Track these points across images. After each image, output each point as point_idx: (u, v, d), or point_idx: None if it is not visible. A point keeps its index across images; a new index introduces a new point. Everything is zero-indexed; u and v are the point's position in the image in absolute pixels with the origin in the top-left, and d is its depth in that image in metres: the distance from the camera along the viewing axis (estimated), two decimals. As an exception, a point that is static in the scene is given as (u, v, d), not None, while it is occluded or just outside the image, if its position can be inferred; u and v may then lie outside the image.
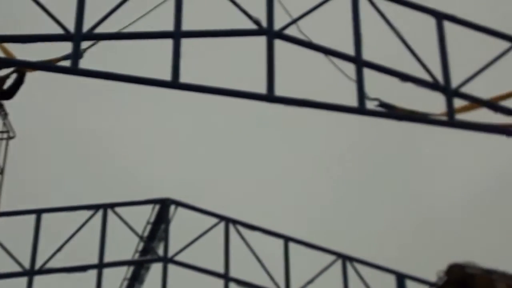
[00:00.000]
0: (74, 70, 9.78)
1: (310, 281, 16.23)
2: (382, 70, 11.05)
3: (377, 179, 27.98)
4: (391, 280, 16.40)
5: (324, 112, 10.95)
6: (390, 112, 11.08)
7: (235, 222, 16.90)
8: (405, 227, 26.33)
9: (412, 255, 23.39)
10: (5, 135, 11.64)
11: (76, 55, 9.79)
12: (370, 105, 10.91)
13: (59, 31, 10.07)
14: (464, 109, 11.30)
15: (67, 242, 15.87)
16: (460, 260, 11.34)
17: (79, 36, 9.91)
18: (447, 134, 12.05)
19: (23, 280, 15.46)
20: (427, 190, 28.00)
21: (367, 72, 11.06)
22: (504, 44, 11.69)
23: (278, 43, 10.81)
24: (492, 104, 11.33)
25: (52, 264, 15.73)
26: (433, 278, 11.52)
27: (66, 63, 9.94)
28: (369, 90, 11.00)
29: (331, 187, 27.59)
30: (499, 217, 26.12)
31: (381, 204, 27.36)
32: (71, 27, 10.05)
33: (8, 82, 11.74)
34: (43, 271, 15.59)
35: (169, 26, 10.45)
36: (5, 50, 10.66)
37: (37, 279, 15.54)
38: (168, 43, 10.37)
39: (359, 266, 16.70)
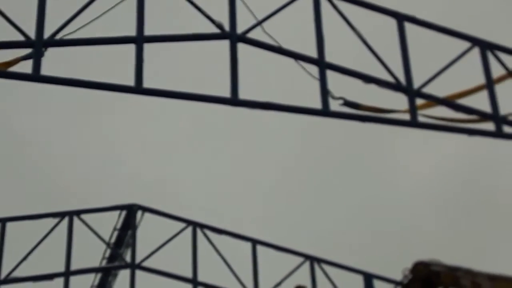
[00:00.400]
0: (36, 77, 9.68)
1: (279, 283, 16.28)
2: (345, 72, 11.13)
3: (337, 178, 28.19)
4: (359, 280, 16.51)
5: (288, 114, 11.00)
6: (353, 114, 11.16)
7: (203, 226, 16.88)
8: (365, 225, 26.54)
9: (374, 253, 23.62)
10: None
11: (38, 61, 9.69)
12: (334, 106, 10.98)
13: (20, 38, 9.96)
14: (425, 106, 11.44)
15: (33, 251, 15.73)
16: (425, 258, 11.47)
17: (40, 43, 9.82)
18: (406, 131, 12.19)
19: (-12, 290, 15.30)
20: (385, 186, 28.28)
21: (333, 73, 11.14)
22: (464, 44, 11.87)
23: (243, 46, 10.83)
24: (453, 103, 11.48)
25: (18, 273, 15.58)
26: (398, 276, 11.62)
27: (28, 70, 9.83)
28: (335, 91, 11.08)
29: (295, 188, 27.71)
30: (457, 213, 26.53)
31: (343, 203, 27.54)
32: (32, 33, 9.95)
33: None
34: (9, 280, 15.44)
35: (132, 32, 10.41)
36: None
37: (3, 288, 15.39)
38: (131, 48, 10.33)
39: (327, 267, 16.80)
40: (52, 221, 16.18)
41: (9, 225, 15.82)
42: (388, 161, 28.46)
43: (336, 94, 11.02)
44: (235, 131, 27.08)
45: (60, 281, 15.79)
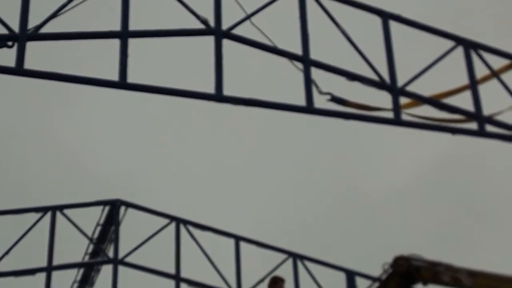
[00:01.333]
0: (19, 71, 9.63)
1: (261, 280, 16.29)
2: (329, 69, 11.15)
3: (318, 171, 28.27)
4: (341, 277, 16.57)
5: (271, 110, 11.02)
6: (337, 111, 11.19)
7: (186, 222, 16.86)
8: (348, 222, 26.65)
9: (357, 250, 23.70)
10: None
11: (21, 55, 9.64)
12: (319, 103, 11.01)
13: (3, 31, 9.91)
14: (410, 105, 11.50)
15: (15, 245, 15.65)
16: (405, 252, 11.50)
17: (24, 36, 9.77)
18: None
19: (-31, 284, 15.23)
20: (365, 179, 28.40)
21: (320, 72, 11.17)
22: (448, 43, 11.93)
23: (228, 43, 10.83)
24: (437, 102, 11.54)
25: (-1, 268, 15.52)
26: (378, 271, 11.66)
27: (11, 64, 9.78)
28: (322, 86, 11.11)
29: (279, 182, 27.76)
30: (436, 206, 26.70)
31: (325, 199, 27.62)
32: (15, 27, 9.91)
33: None
34: (-10, 275, 15.36)
35: (117, 26, 10.38)
36: None
37: (-16, 283, 15.32)
38: (116, 43, 10.30)
39: (310, 264, 16.84)
40: (34, 216, 16.09)
41: (-9, 220, 15.75)
42: (373, 157, 28.56)
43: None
44: (219, 124, 27.09)
45: (42, 276, 15.72)
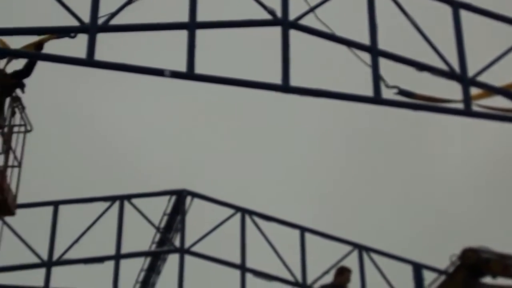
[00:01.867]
0: (90, 62, 9.78)
1: (327, 271, 16.20)
2: (398, 59, 10.98)
3: (384, 166, 27.99)
4: (408, 270, 16.37)
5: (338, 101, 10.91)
6: (406, 102, 11.02)
7: (251, 213, 16.92)
8: (414, 214, 26.31)
9: (423, 242, 23.39)
10: (22, 129, 11.65)
11: (92, 46, 9.79)
12: (387, 94, 10.86)
13: (74, 23, 10.07)
14: (480, 96, 11.24)
15: (84, 234, 15.96)
16: (473, 245, 11.29)
17: (94, 28, 9.91)
18: (448, 120, 12.01)
19: (41, 271, 15.58)
20: (430, 175, 27.98)
21: (386, 61, 11.01)
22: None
23: (294, 33, 10.77)
24: (509, 93, 11.25)
25: (69, 256, 15.83)
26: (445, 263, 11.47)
27: (82, 55, 9.94)
28: (387, 79, 10.96)
29: (343, 175, 27.59)
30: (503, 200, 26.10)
31: (389, 192, 27.35)
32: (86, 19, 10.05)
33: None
34: (61, 262, 15.70)
35: (184, 18, 10.43)
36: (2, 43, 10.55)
37: (55, 270, 15.64)
38: (183, 34, 10.35)
39: (376, 256, 16.69)
40: (103, 205, 16.38)
41: (62, 208, 16.08)
42: (439, 147, 28.12)
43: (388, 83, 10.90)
44: (281, 116, 27.06)
45: (110, 264, 16.00)
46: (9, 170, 11.27)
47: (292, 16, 10.81)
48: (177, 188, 17.41)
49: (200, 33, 10.39)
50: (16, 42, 10.67)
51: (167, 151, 28.08)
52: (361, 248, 16.74)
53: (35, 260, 15.55)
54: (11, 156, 11.34)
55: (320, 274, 16.39)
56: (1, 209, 11.54)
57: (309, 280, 16.48)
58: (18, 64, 11.44)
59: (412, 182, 27.44)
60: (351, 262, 16.41)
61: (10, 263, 15.33)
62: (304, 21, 10.91)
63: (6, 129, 11.31)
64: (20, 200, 11.70)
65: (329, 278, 14.68)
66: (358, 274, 16.35)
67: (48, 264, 15.54)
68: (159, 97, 26.82)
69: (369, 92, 10.79)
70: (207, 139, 28.53)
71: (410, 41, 11.24)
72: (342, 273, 12.71)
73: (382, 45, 11.07)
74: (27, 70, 11.52)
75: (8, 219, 13.99)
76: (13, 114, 11.44)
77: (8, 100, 11.40)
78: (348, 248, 16.81)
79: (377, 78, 10.74)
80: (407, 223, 25.87)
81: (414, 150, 28.44)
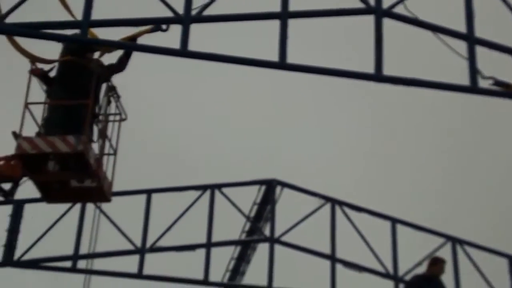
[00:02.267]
0: (184, 53, 9.88)
1: (419, 264, 15.94)
2: (496, 47, 10.63)
3: (479, 157, 27.32)
4: (503, 263, 15.97)
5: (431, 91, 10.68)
6: (503, 91, 10.68)
7: (341, 203, 16.81)
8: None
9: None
10: (117, 117, 11.95)
11: (186, 37, 9.89)
12: (483, 83, 10.55)
13: (167, 14, 10.17)
14: None
15: (176, 222, 16.22)
16: None
17: (188, 19, 10.00)
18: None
19: (135, 257, 15.93)
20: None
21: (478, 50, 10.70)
22: None
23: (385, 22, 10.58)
24: None
25: (162, 243, 16.13)
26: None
27: (175, 46, 10.05)
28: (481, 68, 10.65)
29: (434, 169, 27.10)
30: None
31: (484, 184, 26.67)
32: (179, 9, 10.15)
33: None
34: (154, 249, 16.01)
35: (276, 7, 10.41)
36: (92, 34, 10.76)
37: (148, 257, 15.98)
38: (275, 24, 10.33)
39: (470, 249, 16.32)
40: (194, 194, 16.60)
41: (154, 196, 16.38)
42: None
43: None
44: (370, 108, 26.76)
45: (201, 252, 16.21)
46: (105, 158, 11.57)
47: (385, 4, 10.60)
48: (267, 177, 17.46)
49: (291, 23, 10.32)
50: (109, 36, 10.89)
51: (258, 141, 28.21)
52: (454, 241, 16.39)
53: (130, 247, 15.91)
54: (107, 144, 11.65)
55: (412, 266, 16.16)
56: (97, 196, 11.87)
57: (401, 272, 16.27)
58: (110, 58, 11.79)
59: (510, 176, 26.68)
60: (444, 255, 16.11)
61: (106, 250, 15.73)
62: (397, 9, 10.70)
63: (102, 118, 11.63)
64: (115, 188, 12.00)
65: (421, 270, 14.47)
66: (452, 267, 16.02)
67: (142, 251, 15.88)
68: (247, 86, 26.97)
69: (463, 80, 10.50)
70: (298, 130, 28.55)
71: (509, 28, 10.87)
72: (436, 264, 12.53)
73: (478, 32, 10.75)
74: (120, 64, 11.84)
75: (104, 206, 14.39)
76: (108, 103, 11.75)
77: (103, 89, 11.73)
78: (440, 240, 16.49)
79: (473, 67, 10.43)
80: (503, 215, 25.19)
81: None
